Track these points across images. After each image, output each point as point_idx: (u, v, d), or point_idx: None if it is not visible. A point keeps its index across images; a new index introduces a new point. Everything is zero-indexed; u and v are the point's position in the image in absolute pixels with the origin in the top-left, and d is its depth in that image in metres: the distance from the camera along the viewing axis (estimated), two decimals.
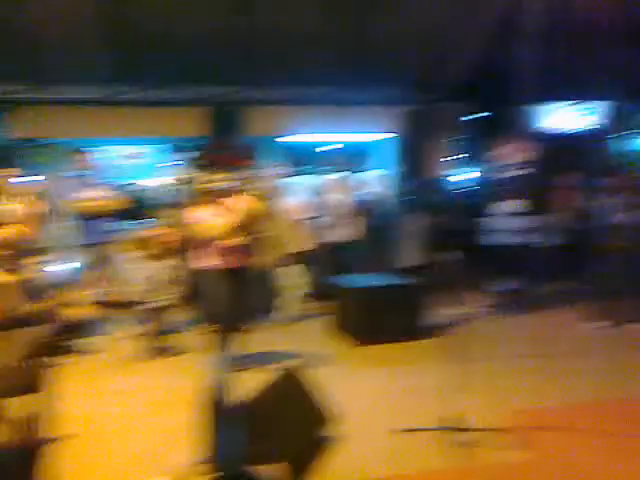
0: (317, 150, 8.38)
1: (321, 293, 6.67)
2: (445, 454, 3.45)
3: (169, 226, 5.36)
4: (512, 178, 7.01)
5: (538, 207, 8.54)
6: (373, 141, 8.47)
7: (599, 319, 6.28)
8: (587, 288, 6.81)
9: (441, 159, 6.56)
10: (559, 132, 14.61)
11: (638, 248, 6.14)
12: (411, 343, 5.65)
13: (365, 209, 7.36)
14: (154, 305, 5.24)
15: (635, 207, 6.20)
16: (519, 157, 7.02)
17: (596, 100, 12.82)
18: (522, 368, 4.98)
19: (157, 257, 5.24)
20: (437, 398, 3.84)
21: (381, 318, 5.66)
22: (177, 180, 6.96)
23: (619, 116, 15.42)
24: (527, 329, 6.35)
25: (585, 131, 13.60)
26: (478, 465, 3.34)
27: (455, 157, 9.13)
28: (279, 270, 6.46)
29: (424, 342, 5.69)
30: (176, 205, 5.56)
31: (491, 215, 7.09)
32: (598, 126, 9.35)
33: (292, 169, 7.49)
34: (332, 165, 7.32)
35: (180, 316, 5.66)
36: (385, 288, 5.91)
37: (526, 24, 9.28)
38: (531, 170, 7.07)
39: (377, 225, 7.76)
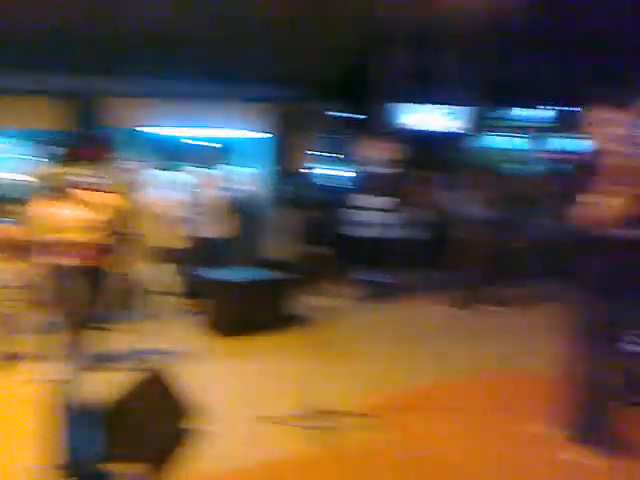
0: (188, 144, 8.21)
1: (192, 289, 6.54)
2: (311, 440, 3.51)
3: (20, 223, 4.99)
4: (380, 175, 7.28)
5: (403, 202, 8.94)
6: (247, 138, 8.44)
7: (460, 306, 6.69)
8: (449, 277, 7.25)
9: (312, 156, 6.68)
10: (424, 132, 15.39)
11: (493, 240, 6.60)
12: (281, 334, 5.70)
13: (237, 205, 7.32)
14: (1, 308, 4.87)
15: (491, 202, 6.65)
16: (387, 155, 7.30)
17: (458, 103, 13.68)
18: (388, 354, 5.18)
19: (5, 257, 4.86)
20: (305, 386, 3.91)
21: (251, 311, 5.67)
22: (32, 174, 6.51)
23: (478, 118, 16.48)
24: (393, 317, 6.63)
25: (448, 132, 14.45)
26: (342, 448, 3.44)
27: (326, 154, 9.34)
28: (146, 267, 6.25)
29: (294, 333, 5.77)
30: (29, 201, 5.19)
31: (360, 209, 7.32)
32: (459, 127, 9.94)
33: (161, 163, 7.27)
34: (205, 160, 7.20)
35: (32, 318, 5.30)
36: (255, 282, 5.92)
37: (397, 29, 9.69)
38: (397, 167, 7.38)
39: (249, 220, 7.75)
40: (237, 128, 8.15)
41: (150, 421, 3.15)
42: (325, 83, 8.75)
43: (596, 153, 3.09)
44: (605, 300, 3.07)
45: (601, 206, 2.92)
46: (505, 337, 5.70)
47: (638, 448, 3.15)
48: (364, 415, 3.82)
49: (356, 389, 4.30)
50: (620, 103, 3.05)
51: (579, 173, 3.25)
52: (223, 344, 5.52)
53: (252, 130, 8.16)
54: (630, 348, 3.82)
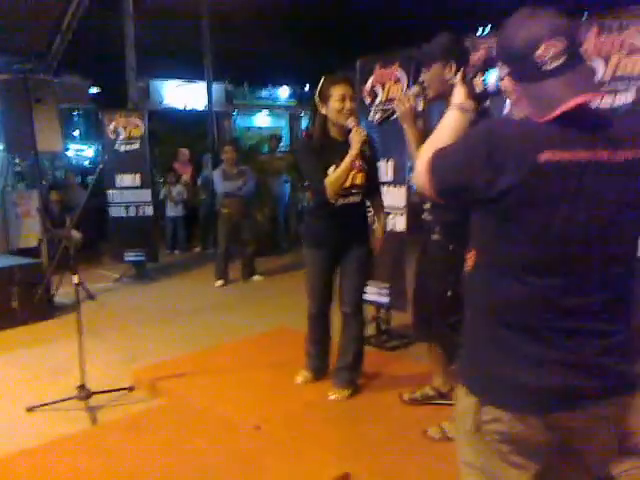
0: None
1: None
2: (83, 420, 3.50)
3: None
4: (132, 152, 7.12)
5: (163, 180, 8.90)
6: None
7: (225, 278, 6.91)
8: (213, 252, 7.47)
9: (56, 133, 6.20)
10: (174, 109, 15.31)
11: (241, 212, 6.87)
12: (41, 324, 5.45)
13: None
14: None
15: (240, 177, 6.93)
16: (139, 131, 7.16)
17: (206, 80, 13.85)
18: (154, 330, 5.25)
19: None
20: (71, 371, 3.84)
21: (3, 302, 5.28)
22: None
23: (227, 96, 16.90)
24: (159, 294, 6.66)
25: (201, 109, 14.57)
26: (116, 421, 3.47)
27: (72, 131, 8.83)
28: None
29: (55, 320, 5.54)
30: None
31: (114, 189, 7.12)
32: (209, 105, 10.07)
33: None
34: None
35: None
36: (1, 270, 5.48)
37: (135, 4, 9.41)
38: (147, 144, 7.25)
39: None
40: None
41: None
42: (63, 56, 8.20)
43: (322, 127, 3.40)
44: (322, 255, 3.53)
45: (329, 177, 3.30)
46: (268, 302, 6.11)
47: (383, 385, 3.69)
48: (132, 388, 3.88)
49: (123, 366, 4.32)
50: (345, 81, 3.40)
51: (307, 148, 3.53)
52: None
53: None
54: (375, 299, 4.46)
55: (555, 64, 1.32)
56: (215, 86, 18.32)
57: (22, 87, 5.88)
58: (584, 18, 3.40)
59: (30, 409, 3.63)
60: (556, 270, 1.35)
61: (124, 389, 3.87)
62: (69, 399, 3.65)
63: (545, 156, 1.30)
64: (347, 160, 3.21)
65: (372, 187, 3.50)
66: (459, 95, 1.66)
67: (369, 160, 3.39)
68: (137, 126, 7.08)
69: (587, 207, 1.33)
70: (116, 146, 7.12)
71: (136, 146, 7.08)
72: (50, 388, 3.95)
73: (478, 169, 1.34)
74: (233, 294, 6.60)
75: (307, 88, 24.95)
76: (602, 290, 1.37)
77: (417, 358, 4.02)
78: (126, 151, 7.10)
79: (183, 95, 20.36)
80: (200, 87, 20.43)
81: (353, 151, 3.20)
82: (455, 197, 1.50)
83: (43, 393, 3.85)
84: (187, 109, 19.14)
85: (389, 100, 4.51)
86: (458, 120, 1.59)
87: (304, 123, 24.62)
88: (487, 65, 1.61)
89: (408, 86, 4.30)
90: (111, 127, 7.11)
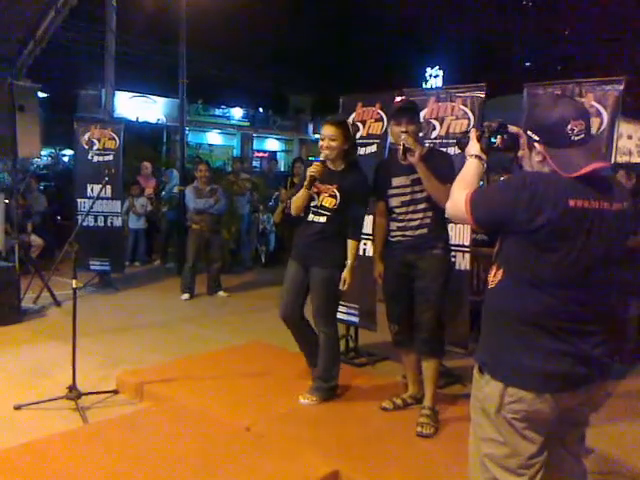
0: None
1: None
2: (72, 419, 3.63)
3: None
4: (104, 163, 7.21)
5: (129, 192, 8.96)
6: None
7: (187, 292, 7.05)
8: (179, 266, 7.60)
9: (36, 139, 6.24)
10: (134, 121, 15.31)
11: (211, 229, 7.09)
12: (11, 327, 5.51)
13: None
14: None
15: (212, 195, 7.15)
16: (111, 144, 7.26)
17: (162, 95, 13.95)
18: (129, 337, 5.39)
19: None
20: (49, 373, 3.96)
21: None
22: None
23: (183, 111, 16.97)
24: (125, 304, 6.75)
25: (156, 123, 14.66)
26: (103, 422, 3.62)
27: (38, 138, 8.80)
28: None
29: (24, 324, 5.62)
30: None
31: (84, 198, 7.18)
32: (181, 121, 10.17)
33: None
34: None
35: None
36: None
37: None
38: (116, 155, 7.37)
39: None
40: None
41: None
42: (28, 61, 8.22)
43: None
44: (292, 264, 3.86)
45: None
46: (234, 317, 6.34)
47: (360, 395, 3.99)
48: (117, 391, 4.04)
49: (101, 370, 4.46)
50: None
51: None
52: None
53: None
54: (345, 317, 4.77)
55: (578, 137, 1.79)
56: (168, 100, 18.31)
57: (6, 92, 5.95)
58: None
59: (18, 407, 3.73)
60: (571, 285, 1.80)
61: (110, 392, 4.02)
62: (59, 398, 3.77)
63: (572, 202, 1.75)
64: (303, 189, 3.69)
65: (344, 216, 3.73)
66: (475, 148, 2.10)
67: (346, 190, 3.69)
68: (112, 138, 7.21)
69: (594, 241, 1.79)
70: (89, 156, 7.22)
71: (109, 158, 7.20)
72: (31, 389, 4.04)
73: (521, 209, 1.77)
74: (200, 308, 6.76)
75: (260, 110, 25.41)
76: (597, 301, 1.83)
77: (383, 374, 4.52)
78: (99, 162, 7.20)
79: (135, 107, 20.39)
80: (153, 101, 20.48)
81: (304, 181, 3.67)
82: (493, 226, 1.92)
83: (25, 393, 3.93)
84: (140, 121, 19.16)
85: (369, 136, 4.94)
86: (478, 167, 2.06)
87: (256, 144, 24.99)
88: (498, 129, 2.06)
89: (388, 125, 4.67)
90: (85, 137, 7.21)
